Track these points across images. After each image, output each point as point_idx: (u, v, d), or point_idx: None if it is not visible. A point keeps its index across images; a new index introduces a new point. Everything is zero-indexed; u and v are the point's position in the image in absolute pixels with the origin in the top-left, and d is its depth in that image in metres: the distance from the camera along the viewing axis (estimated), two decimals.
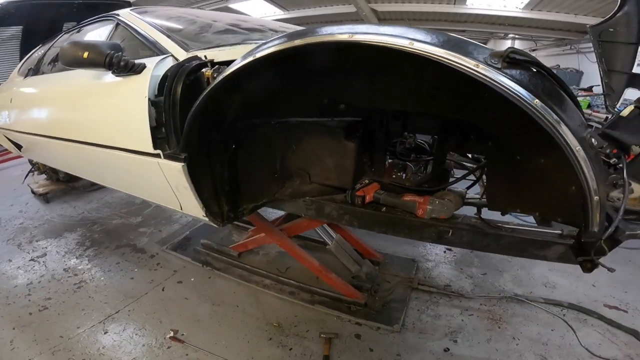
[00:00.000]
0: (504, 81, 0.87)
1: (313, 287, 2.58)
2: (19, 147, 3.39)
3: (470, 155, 1.79)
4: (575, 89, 6.96)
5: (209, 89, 1.19)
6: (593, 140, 0.98)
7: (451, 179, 1.66)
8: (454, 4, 7.41)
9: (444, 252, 3.15)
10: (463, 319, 2.40)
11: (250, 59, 1.08)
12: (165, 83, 1.39)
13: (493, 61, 0.88)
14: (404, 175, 1.71)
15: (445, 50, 0.88)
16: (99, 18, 2.33)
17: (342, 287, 2.48)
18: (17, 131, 2.94)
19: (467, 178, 1.67)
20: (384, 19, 8.46)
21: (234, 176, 1.56)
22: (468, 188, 1.68)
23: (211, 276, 2.84)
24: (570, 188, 1.11)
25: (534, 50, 9.10)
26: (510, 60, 0.90)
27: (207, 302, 2.56)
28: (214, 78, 1.33)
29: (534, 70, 0.94)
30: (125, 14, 2.08)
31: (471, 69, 0.86)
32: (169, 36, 1.75)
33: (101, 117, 1.84)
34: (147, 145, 1.50)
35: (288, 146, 1.62)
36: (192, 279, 2.82)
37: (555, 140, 0.91)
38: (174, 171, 1.46)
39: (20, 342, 2.32)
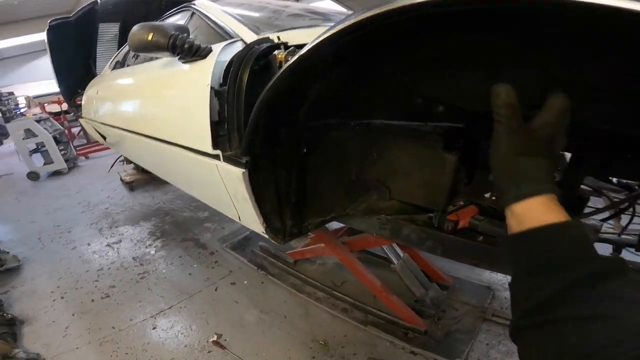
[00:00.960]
0: None
1: (368, 307, 2.11)
2: (104, 137, 3.31)
3: (615, 180, 1.21)
4: None
5: (285, 67, 0.79)
6: None
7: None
8: None
9: None
10: None
11: (341, 26, 0.66)
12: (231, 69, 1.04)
13: None
14: None
15: None
16: (177, 10, 2.07)
17: (401, 310, 1.98)
18: (99, 122, 2.80)
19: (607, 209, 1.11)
20: None
21: (301, 186, 1.15)
22: (605, 220, 1.13)
23: (264, 281, 2.47)
24: None
25: None
26: None
27: (255, 309, 2.22)
28: (288, 61, 0.95)
29: None
30: (199, 3, 1.79)
31: None
32: (239, 20, 1.40)
33: (163, 109, 1.55)
34: (206, 144, 1.14)
35: (368, 154, 1.16)
36: (245, 282, 2.48)
37: None
38: (233, 177, 1.08)
39: (74, 329, 2.14)
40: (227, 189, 1.20)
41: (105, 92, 2.62)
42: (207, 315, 2.18)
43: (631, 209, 1.11)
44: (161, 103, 1.57)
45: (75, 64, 3.39)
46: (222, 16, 1.48)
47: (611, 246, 1.14)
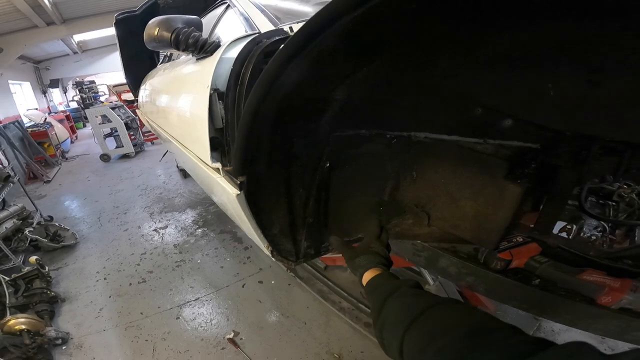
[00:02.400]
0: None
1: None
2: None
3: None
4: None
5: (276, 55, 0.54)
6: None
7: None
8: None
9: None
10: None
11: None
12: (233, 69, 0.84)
13: None
14: (591, 237, 0.89)
15: None
16: (216, 4, 1.89)
17: None
18: (145, 116, 2.78)
19: None
20: None
21: (322, 205, 0.91)
22: None
23: (291, 283, 2.31)
24: None
25: None
26: None
27: (277, 311, 2.08)
28: None
29: None
30: None
31: None
32: (262, 10, 1.20)
33: (174, 111, 1.40)
34: (206, 155, 0.95)
35: (406, 172, 0.90)
36: (273, 282, 2.33)
37: None
38: (230, 198, 0.84)
39: (107, 311, 2.15)
40: (231, 206, 1.00)
41: (148, 87, 2.58)
42: (229, 312, 2.08)
43: None
44: (173, 104, 1.42)
45: (141, 56, 3.43)
46: (248, 7, 1.27)
47: None
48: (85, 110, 6.89)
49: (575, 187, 0.92)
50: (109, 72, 11.33)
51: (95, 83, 11.06)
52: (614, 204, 1.06)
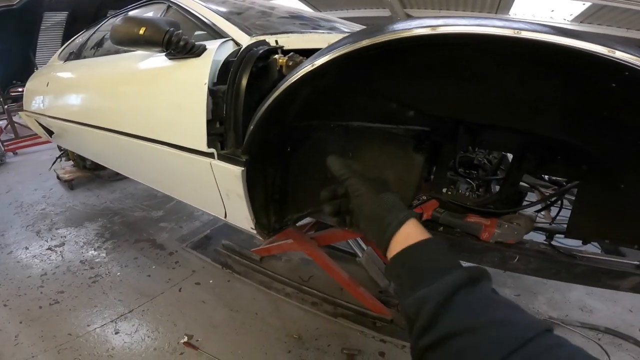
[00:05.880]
0: None
1: (337, 299, 2.26)
2: (50, 133, 3.08)
3: (547, 177, 1.46)
4: None
5: (298, 74, 0.86)
6: None
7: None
8: (495, 12, 6.88)
9: None
10: None
11: (350, 48, 0.74)
12: (231, 69, 1.10)
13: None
14: (466, 193, 1.39)
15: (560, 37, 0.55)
16: (147, 2, 2.00)
17: (369, 301, 2.15)
18: (50, 116, 2.62)
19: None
20: None
21: (284, 183, 1.25)
22: (538, 212, 1.36)
23: (230, 280, 2.50)
24: None
25: None
26: None
27: (225, 308, 2.24)
28: (289, 66, 1.05)
29: None
30: None
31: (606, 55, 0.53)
32: (228, 18, 1.44)
33: (146, 106, 1.54)
34: (200, 142, 1.18)
35: (344, 152, 1.26)
36: (211, 281, 2.49)
37: None
38: (230, 176, 1.14)
39: (25, 337, 2.01)
40: (218, 187, 1.25)
41: (60, 85, 2.45)
42: (173, 317, 2.15)
43: (560, 202, 1.37)
44: (143, 99, 1.55)
45: (13, 53, 3.13)
46: (207, 13, 1.49)
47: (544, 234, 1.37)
48: None
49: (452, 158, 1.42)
50: None
51: None
52: (461, 170, 1.62)
